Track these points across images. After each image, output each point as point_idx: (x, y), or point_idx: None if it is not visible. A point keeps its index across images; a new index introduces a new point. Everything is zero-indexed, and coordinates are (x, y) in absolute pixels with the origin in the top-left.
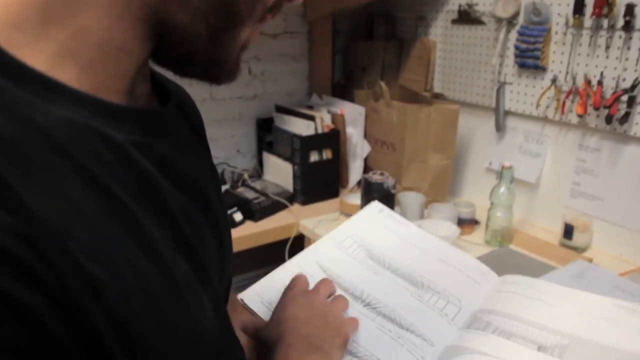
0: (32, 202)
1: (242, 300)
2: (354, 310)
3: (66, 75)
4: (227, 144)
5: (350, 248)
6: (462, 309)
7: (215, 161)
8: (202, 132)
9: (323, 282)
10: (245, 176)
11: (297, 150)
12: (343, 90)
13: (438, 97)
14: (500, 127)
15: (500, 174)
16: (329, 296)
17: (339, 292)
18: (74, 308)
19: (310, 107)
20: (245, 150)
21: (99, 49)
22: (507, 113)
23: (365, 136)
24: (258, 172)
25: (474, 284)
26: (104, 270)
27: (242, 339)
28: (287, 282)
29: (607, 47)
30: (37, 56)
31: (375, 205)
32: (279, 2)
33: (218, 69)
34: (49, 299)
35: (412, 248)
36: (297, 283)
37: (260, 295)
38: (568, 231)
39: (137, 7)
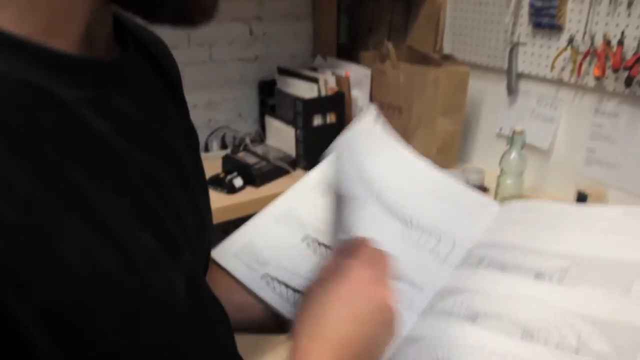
0: None
1: (213, 258)
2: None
3: (3, 19)
4: (228, 108)
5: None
6: (456, 247)
7: (215, 125)
8: (178, 87)
9: (385, 260)
10: (247, 141)
11: (299, 113)
12: (348, 52)
13: (447, 58)
14: (512, 91)
15: (511, 140)
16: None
17: (312, 230)
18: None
19: (314, 69)
20: (247, 114)
21: None
22: (520, 75)
23: (371, 99)
24: (260, 136)
25: (470, 217)
26: (36, 256)
27: (233, 300)
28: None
29: (630, 4)
30: None
31: (371, 112)
32: None
33: (192, 7)
34: None
35: (403, 175)
36: (359, 254)
37: (233, 251)
38: (581, 200)
39: None
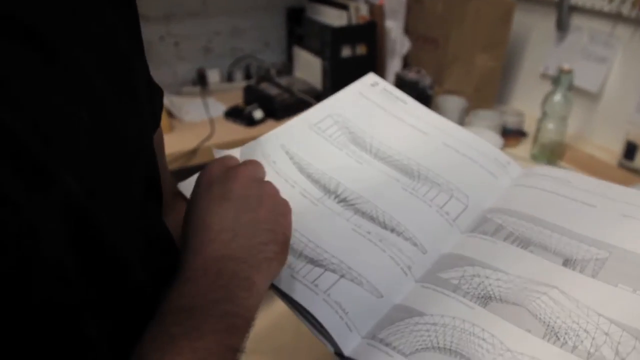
0: None
1: (179, 189)
2: (324, 207)
3: None
4: (254, 36)
5: (328, 130)
6: (468, 207)
7: (239, 54)
8: None
9: (251, 162)
10: (272, 72)
11: (326, 43)
12: None
13: None
14: (562, 26)
15: (557, 80)
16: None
17: (306, 184)
18: None
19: None
20: (274, 43)
21: None
22: (572, 9)
23: (407, 31)
24: (287, 68)
25: (488, 176)
26: None
27: None
28: None
29: None
30: None
31: (368, 78)
32: None
33: None
34: None
35: (410, 130)
36: (216, 165)
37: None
38: (630, 151)
39: None
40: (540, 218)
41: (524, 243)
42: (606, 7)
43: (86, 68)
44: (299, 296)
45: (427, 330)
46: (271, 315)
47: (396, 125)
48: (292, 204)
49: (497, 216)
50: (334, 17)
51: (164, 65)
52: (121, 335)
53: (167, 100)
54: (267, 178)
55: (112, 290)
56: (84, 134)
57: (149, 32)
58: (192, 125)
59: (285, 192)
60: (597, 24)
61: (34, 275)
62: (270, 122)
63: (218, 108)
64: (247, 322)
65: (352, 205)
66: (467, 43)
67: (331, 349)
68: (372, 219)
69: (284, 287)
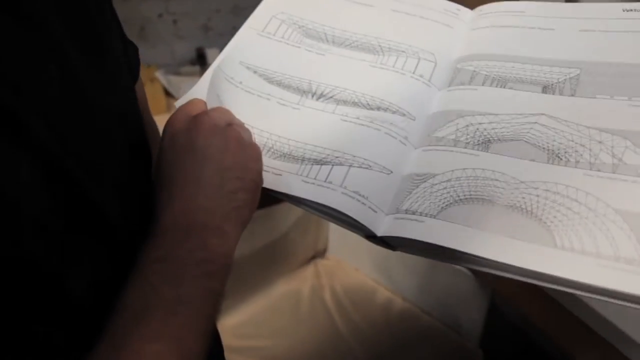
0: None
1: None
2: (306, 108)
3: None
4: None
5: (278, 32)
6: (437, 64)
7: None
8: None
9: (215, 108)
10: None
11: None
12: None
13: None
14: None
15: None
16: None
17: (280, 92)
18: None
19: None
20: None
21: None
22: None
23: None
24: None
25: (444, 28)
26: None
27: None
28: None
29: None
30: None
31: None
32: None
33: None
34: None
35: (357, 7)
36: (179, 115)
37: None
38: None
39: None
40: (508, 54)
41: (501, 82)
42: None
43: (57, 32)
44: (319, 197)
45: (444, 188)
46: (269, 299)
47: (342, 6)
48: (274, 116)
49: (468, 64)
50: None
51: (162, 43)
52: (103, 288)
53: (164, 80)
54: (240, 100)
55: (91, 241)
56: (54, 86)
57: (147, 9)
58: None
59: (263, 107)
60: None
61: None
62: None
63: None
64: (223, 268)
65: (331, 97)
66: None
67: (363, 235)
68: (355, 104)
69: (300, 194)
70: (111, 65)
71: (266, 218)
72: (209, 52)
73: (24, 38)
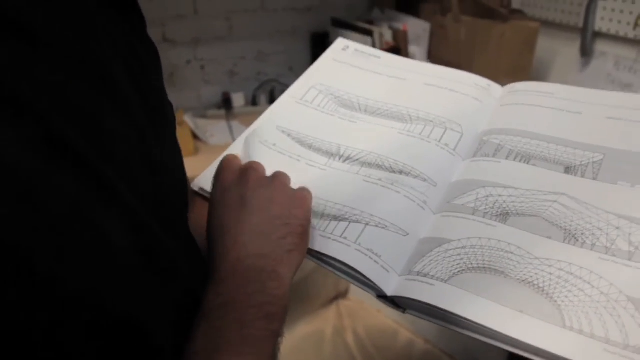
0: None
1: (193, 188)
2: (332, 170)
3: None
4: (279, 60)
5: (315, 100)
6: (464, 135)
7: (264, 78)
8: None
9: (255, 165)
10: None
11: None
12: (408, 4)
13: (516, 13)
14: (586, 51)
15: None
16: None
17: (309, 155)
18: None
19: (371, 22)
20: (298, 67)
21: None
22: (597, 34)
23: (430, 56)
24: None
25: (473, 101)
26: None
27: None
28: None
29: None
30: None
31: (338, 43)
32: None
33: None
34: None
35: (390, 80)
36: (227, 174)
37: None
38: None
39: None
40: (534, 132)
41: (526, 158)
42: (631, 34)
43: (131, 97)
44: (333, 251)
45: (458, 255)
46: (292, 340)
47: (376, 79)
48: (301, 176)
49: (494, 137)
50: (358, 42)
51: (190, 88)
52: (177, 332)
53: (192, 123)
54: (271, 161)
55: (170, 294)
56: (135, 152)
57: (177, 56)
58: (217, 148)
59: (292, 167)
60: (622, 49)
61: (94, 267)
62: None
63: (242, 131)
64: (282, 309)
65: (357, 160)
66: (490, 68)
67: (374, 294)
68: (379, 167)
69: (316, 247)
70: (170, 127)
71: None
72: (234, 97)
73: (113, 107)
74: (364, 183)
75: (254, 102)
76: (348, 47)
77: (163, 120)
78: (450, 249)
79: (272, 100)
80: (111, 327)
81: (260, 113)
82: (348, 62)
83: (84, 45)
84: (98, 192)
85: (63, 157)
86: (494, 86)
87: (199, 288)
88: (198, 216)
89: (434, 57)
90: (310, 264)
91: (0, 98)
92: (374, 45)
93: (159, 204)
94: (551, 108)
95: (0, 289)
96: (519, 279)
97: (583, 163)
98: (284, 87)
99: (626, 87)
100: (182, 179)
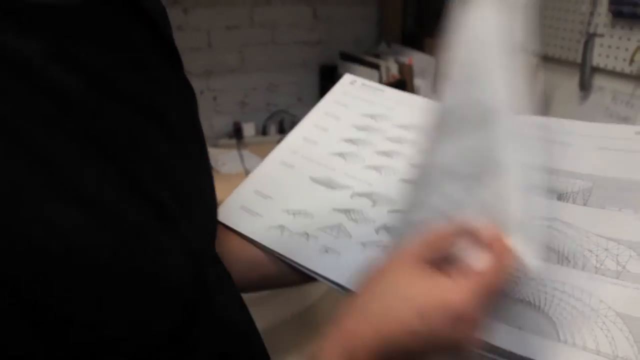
0: None
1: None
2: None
3: None
4: (288, 91)
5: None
6: None
7: (273, 109)
8: (168, 38)
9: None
10: None
11: None
12: (414, 39)
13: None
14: (585, 86)
15: None
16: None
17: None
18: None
19: (377, 56)
20: (307, 98)
21: None
22: (594, 69)
23: (435, 89)
24: None
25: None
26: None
27: (243, 258)
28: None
29: None
30: None
31: (346, 79)
32: None
33: None
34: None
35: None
36: (426, 244)
37: (240, 204)
38: None
39: None
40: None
41: None
42: (627, 69)
43: (173, 116)
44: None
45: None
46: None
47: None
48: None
49: None
50: (365, 76)
51: (202, 118)
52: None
53: None
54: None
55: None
56: (184, 179)
57: None
58: (228, 176)
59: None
60: (619, 84)
61: (163, 294)
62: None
63: (253, 160)
64: None
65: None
66: None
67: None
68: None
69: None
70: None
71: (298, 288)
72: (245, 126)
73: (174, 151)
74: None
75: (264, 131)
76: (355, 81)
77: (204, 150)
78: None
79: (281, 130)
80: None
81: (270, 142)
82: (355, 95)
83: (143, 88)
84: (161, 215)
85: (132, 186)
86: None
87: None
88: (219, 243)
89: (439, 90)
90: (317, 292)
91: (82, 135)
92: (380, 78)
93: (200, 221)
94: (547, 140)
95: None
96: (518, 298)
97: (574, 190)
98: (293, 117)
99: (624, 120)
100: (215, 205)
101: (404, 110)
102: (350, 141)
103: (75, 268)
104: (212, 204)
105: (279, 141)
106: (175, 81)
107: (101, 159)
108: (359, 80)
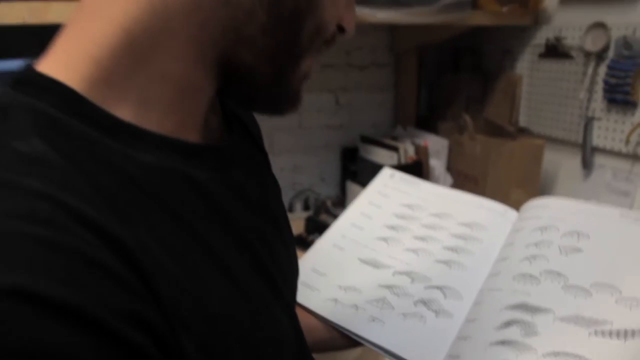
0: (130, 244)
1: None
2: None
3: (149, 120)
4: (313, 172)
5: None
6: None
7: (299, 188)
8: (261, 143)
9: None
10: (328, 203)
11: None
12: (427, 122)
13: (523, 131)
14: (587, 164)
15: None
16: None
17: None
18: (173, 341)
19: (395, 138)
20: (330, 178)
21: (177, 92)
22: (595, 149)
23: (449, 169)
24: (341, 200)
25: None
26: (193, 304)
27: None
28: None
29: None
30: (124, 106)
31: (386, 172)
32: (334, 35)
33: (281, 102)
34: (156, 338)
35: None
36: None
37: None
38: None
39: (210, 51)
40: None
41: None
42: (624, 149)
43: (279, 212)
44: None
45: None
46: None
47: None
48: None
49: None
50: (385, 157)
51: None
52: None
53: None
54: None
55: None
56: (285, 263)
57: None
58: None
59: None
60: (617, 162)
61: (282, 352)
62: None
63: None
64: None
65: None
66: (503, 180)
67: None
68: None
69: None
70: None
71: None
72: None
73: (282, 242)
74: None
75: (290, 209)
76: (394, 175)
77: (292, 235)
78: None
79: (306, 207)
80: None
81: (296, 219)
82: (394, 187)
83: (264, 196)
84: (276, 293)
85: (261, 271)
86: (510, 212)
87: None
88: None
89: (452, 169)
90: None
91: (234, 236)
92: (399, 159)
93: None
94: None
95: None
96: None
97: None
98: (317, 196)
99: (624, 195)
100: (297, 270)
101: (437, 201)
102: (391, 227)
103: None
104: (296, 269)
105: (306, 218)
106: (273, 183)
107: (241, 249)
108: (397, 174)
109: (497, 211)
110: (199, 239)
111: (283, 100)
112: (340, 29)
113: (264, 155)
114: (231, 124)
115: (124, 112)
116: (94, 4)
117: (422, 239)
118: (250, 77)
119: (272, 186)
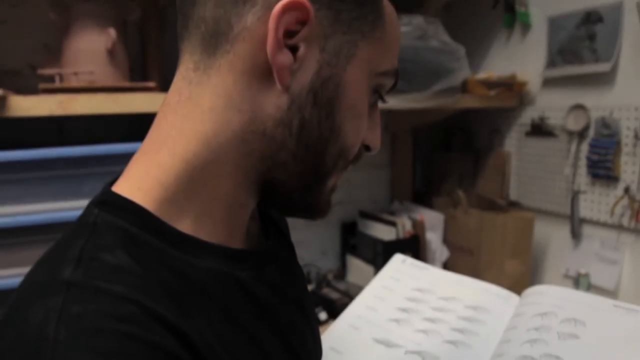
0: (191, 334)
1: None
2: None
3: (205, 232)
4: (314, 246)
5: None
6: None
7: (301, 262)
8: (289, 237)
9: None
10: (330, 277)
11: (379, 254)
12: (423, 197)
13: (514, 205)
14: (575, 235)
15: (576, 281)
16: None
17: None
18: None
19: (392, 213)
20: (330, 252)
21: (226, 208)
22: (582, 220)
23: (445, 241)
24: (341, 273)
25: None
26: None
27: None
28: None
29: None
30: (185, 221)
31: (397, 258)
32: (359, 155)
33: (311, 211)
34: None
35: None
36: None
37: None
38: None
39: (252, 174)
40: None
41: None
42: (610, 220)
43: (304, 298)
44: None
45: None
46: None
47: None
48: None
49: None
50: (383, 232)
51: None
52: None
53: None
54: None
55: None
56: (310, 345)
57: None
58: None
59: None
60: (604, 232)
61: None
62: (332, 322)
63: None
64: None
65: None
66: (497, 251)
67: None
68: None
69: None
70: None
71: None
72: None
73: (302, 317)
74: None
75: None
76: (405, 260)
77: (314, 312)
78: None
79: (308, 280)
80: None
81: None
82: (405, 271)
83: (294, 286)
84: None
85: (290, 354)
86: (513, 297)
87: None
88: None
89: (448, 242)
90: None
91: (269, 323)
92: (397, 234)
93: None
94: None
95: None
96: None
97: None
98: (318, 269)
99: (612, 263)
100: (320, 348)
101: (444, 286)
102: (403, 309)
103: None
104: (320, 350)
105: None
106: (300, 273)
107: (277, 334)
108: (409, 260)
109: (501, 296)
110: (244, 329)
111: (313, 209)
112: (367, 148)
113: (292, 249)
114: (267, 227)
115: (185, 225)
116: (159, 139)
117: (431, 320)
118: (285, 192)
119: (299, 276)
